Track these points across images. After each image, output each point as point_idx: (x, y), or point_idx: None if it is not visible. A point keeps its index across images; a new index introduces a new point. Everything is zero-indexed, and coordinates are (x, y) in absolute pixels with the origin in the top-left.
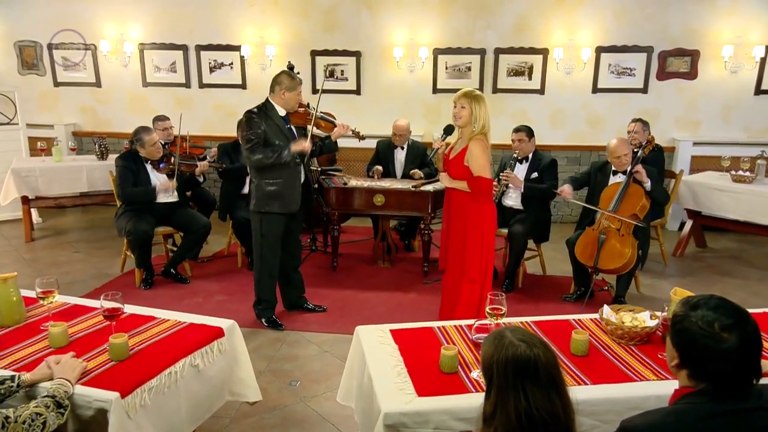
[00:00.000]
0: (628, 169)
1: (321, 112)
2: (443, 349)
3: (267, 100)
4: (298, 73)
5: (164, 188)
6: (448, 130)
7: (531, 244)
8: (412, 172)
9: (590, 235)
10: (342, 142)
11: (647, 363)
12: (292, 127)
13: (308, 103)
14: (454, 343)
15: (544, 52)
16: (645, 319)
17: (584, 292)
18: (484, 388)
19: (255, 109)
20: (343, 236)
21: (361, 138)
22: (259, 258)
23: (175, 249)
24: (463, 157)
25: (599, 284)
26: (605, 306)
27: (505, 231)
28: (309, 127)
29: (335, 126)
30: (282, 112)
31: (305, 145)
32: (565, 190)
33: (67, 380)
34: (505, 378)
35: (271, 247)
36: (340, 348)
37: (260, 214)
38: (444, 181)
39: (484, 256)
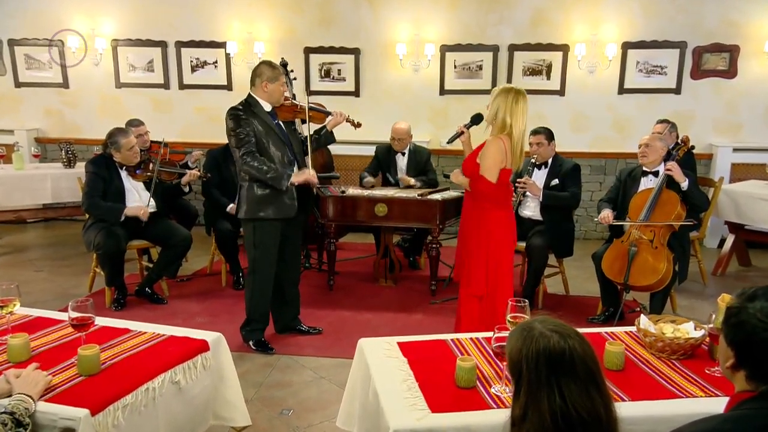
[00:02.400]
0: (660, 169)
1: (311, 103)
2: (459, 361)
3: (249, 95)
4: (292, 70)
5: (136, 213)
6: (476, 118)
7: (552, 260)
8: (400, 177)
9: (619, 247)
10: (338, 149)
11: (693, 378)
12: (281, 123)
13: (293, 94)
14: (470, 356)
15: (564, 48)
16: (689, 330)
17: (613, 313)
18: (511, 389)
19: (239, 107)
20: (341, 253)
21: (358, 125)
22: (252, 271)
23: (151, 266)
24: (477, 153)
25: (630, 305)
26: (642, 316)
27: (522, 244)
28: (307, 130)
29: (328, 115)
30: (267, 107)
31: (309, 176)
32: (606, 217)
33: (28, 396)
34: (536, 374)
35: (267, 259)
36: (339, 374)
37: (252, 222)
38: (452, 177)
39: (490, 269)
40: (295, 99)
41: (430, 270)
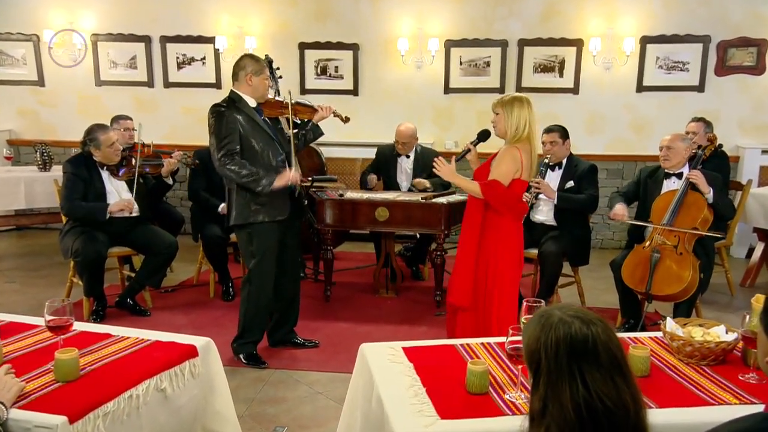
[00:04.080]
0: (684, 171)
1: (296, 99)
2: (470, 365)
3: (232, 91)
4: (278, 68)
5: (121, 208)
6: (483, 135)
7: (566, 269)
8: (415, 181)
9: (640, 253)
10: (334, 152)
11: (726, 385)
12: (267, 120)
13: (277, 91)
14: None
15: (578, 43)
16: (720, 334)
17: (634, 325)
18: (530, 382)
19: (223, 104)
20: (338, 263)
21: (346, 120)
22: (248, 281)
23: (133, 275)
24: (491, 161)
25: (651, 317)
26: (668, 319)
27: (534, 251)
28: (290, 128)
29: (315, 110)
30: (252, 103)
31: (292, 176)
32: (618, 211)
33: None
34: (556, 363)
35: (265, 266)
36: (336, 389)
37: (246, 228)
38: (442, 171)
39: (480, 278)
40: (279, 96)
41: (435, 279)
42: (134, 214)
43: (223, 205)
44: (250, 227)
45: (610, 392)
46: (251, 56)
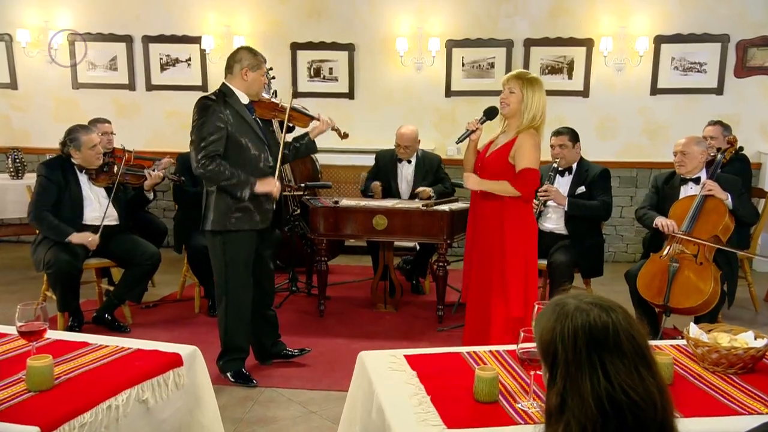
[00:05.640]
0: (701, 176)
1: (294, 104)
2: (478, 371)
3: (224, 84)
4: (271, 68)
5: (83, 242)
6: (490, 113)
7: (578, 280)
8: (419, 189)
9: (657, 263)
10: (327, 159)
11: (755, 394)
12: (258, 120)
13: (275, 92)
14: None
15: (587, 43)
16: (748, 341)
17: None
18: (545, 377)
19: (212, 96)
20: (333, 277)
21: (345, 136)
22: (223, 293)
23: (111, 289)
24: (507, 151)
25: (670, 333)
26: (692, 324)
27: (544, 262)
28: (283, 133)
29: (311, 119)
30: (245, 99)
31: (273, 187)
32: (668, 224)
33: None
34: (574, 353)
35: (240, 277)
36: (331, 408)
37: (221, 235)
38: (469, 183)
39: (529, 284)
40: (275, 97)
41: (437, 293)
42: (112, 223)
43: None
44: (227, 235)
45: (635, 383)
46: (249, 49)
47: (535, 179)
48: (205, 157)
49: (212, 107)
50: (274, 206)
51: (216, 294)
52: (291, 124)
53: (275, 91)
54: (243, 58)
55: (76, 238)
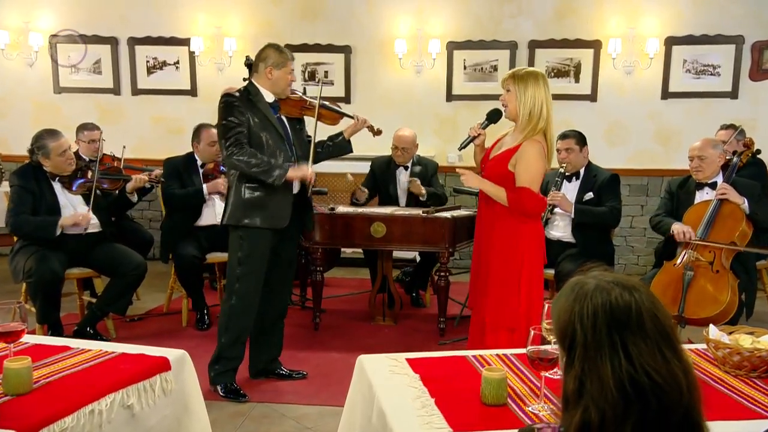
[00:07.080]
0: (717, 180)
1: (323, 101)
2: (486, 372)
3: (250, 82)
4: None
5: (75, 222)
6: (493, 116)
7: None
8: (409, 179)
9: (671, 272)
10: (321, 166)
11: None
12: (283, 118)
13: (305, 88)
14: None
15: (595, 45)
16: None
17: None
18: (562, 361)
19: (236, 93)
20: (328, 290)
21: (378, 133)
22: (231, 292)
23: (94, 300)
24: (509, 158)
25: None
26: (711, 326)
27: (551, 272)
28: (315, 131)
29: (343, 117)
30: (270, 98)
31: (307, 172)
32: (684, 232)
33: None
34: (594, 334)
35: (252, 277)
36: (327, 424)
37: (239, 230)
38: (468, 181)
39: (523, 295)
40: (305, 94)
41: (438, 304)
42: (94, 230)
43: (206, 185)
44: (243, 230)
45: (659, 365)
46: (275, 47)
47: (531, 200)
48: (233, 144)
49: (234, 104)
50: (308, 195)
51: (225, 289)
52: (316, 120)
53: (305, 88)
54: (268, 57)
55: (67, 220)
